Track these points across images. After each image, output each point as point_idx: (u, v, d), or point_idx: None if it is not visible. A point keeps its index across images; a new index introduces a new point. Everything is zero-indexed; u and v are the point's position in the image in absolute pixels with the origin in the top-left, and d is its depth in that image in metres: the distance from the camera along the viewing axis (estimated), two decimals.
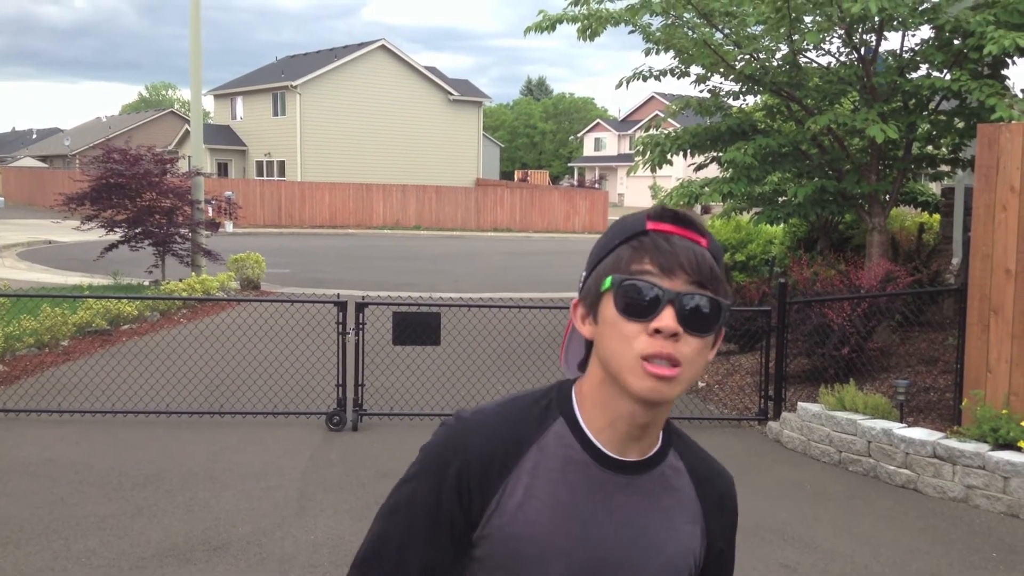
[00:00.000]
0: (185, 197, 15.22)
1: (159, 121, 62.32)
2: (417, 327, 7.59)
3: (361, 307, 7.64)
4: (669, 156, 9.94)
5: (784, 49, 9.10)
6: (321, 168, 44.37)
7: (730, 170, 9.48)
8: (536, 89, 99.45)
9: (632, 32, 9.45)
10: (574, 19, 9.23)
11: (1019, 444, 5.81)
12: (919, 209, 11.55)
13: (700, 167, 10.75)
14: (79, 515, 5.31)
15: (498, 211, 41.21)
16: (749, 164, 8.87)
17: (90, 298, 10.52)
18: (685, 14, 9.05)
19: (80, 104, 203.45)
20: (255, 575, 4.59)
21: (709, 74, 9.78)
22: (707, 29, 9.11)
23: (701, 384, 9.19)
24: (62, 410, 7.62)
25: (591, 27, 9.20)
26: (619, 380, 1.24)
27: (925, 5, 8.36)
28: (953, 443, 6.00)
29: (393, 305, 7.94)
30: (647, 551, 1.30)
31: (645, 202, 57.03)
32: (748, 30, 9.08)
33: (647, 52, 9.64)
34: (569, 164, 79.43)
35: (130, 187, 14.59)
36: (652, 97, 68.92)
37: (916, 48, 9.02)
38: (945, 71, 8.60)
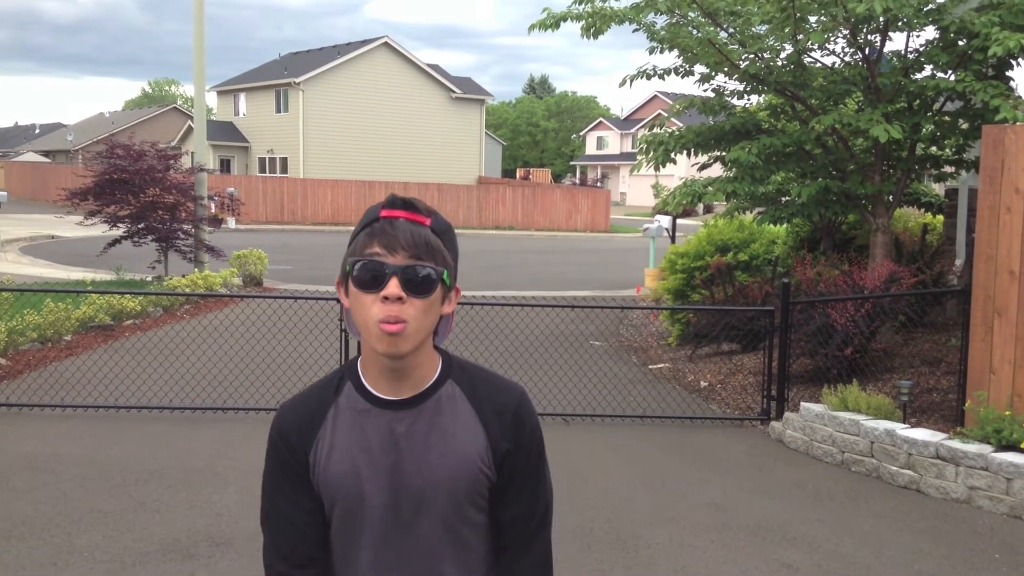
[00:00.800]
0: (188, 193, 15.24)
1: (162, 117, 62.35)
2: None
3: None
4: (673, 155, 9.93)
5: (789, 49, 9.09)
6: (323, 165, 44.38)
7: (734, 169, 9.47)
8: (539, 87, 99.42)
9: (636, 31, 9.44)
10: (578, 17, 9.22)
11: (1022, 446, 5.80)
12: (923, 210, 11.53)
13: (704, 166, 10.74)
14: (82, 510, 5.32)
15: (500, 209, 41.21)
16: (753, 164, 8.87)
17: (93, 293, 10.54)
18: (690, 13, 9.04)
19: (83, 99, 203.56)
20: (258, 571, 4.58)
21: (713, 73, 9.77)
22: (712, 28, 9.10)
23: (704, 383, 9.19)
24: (65, 405, 7.63)
25: (595, 25, 9.19)
26: (367, 343, 1.61)
27: (930, 6, 8.34)
28: (956, 444, 6.00)
29: None
30: (433, 458, 1.65)
31: (647, 201, 57.03)
32: (753, 29, 9.07)
33: (651, 51, 9.63)
34: (571, 163, 79.40)
35: (133, 183, 14.61)
36: (655, 96, 68.90)
37: (921, 49, 9.01)
38: (950, 72, 8.59)
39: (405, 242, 1.58)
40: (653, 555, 4.92)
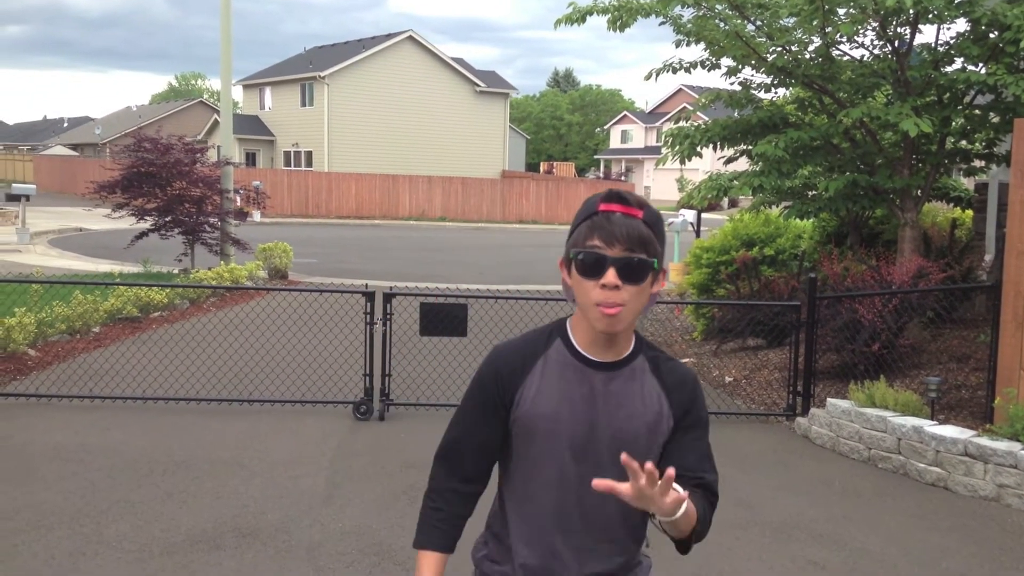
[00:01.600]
0: (214, 186, 15.34)
1: (188, 111, 62.77)
2: (444, 318, 7.60)
3: (389, 297, 7.66)
4: (699, 148, 9.87)
5: (817, 41, 9.00)
6: (348, 159, 44.51)
7: (760, 163, 9.39)
8: (563, 81, 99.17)
9: (662, 24, 9.39)
10: (604, 10, 9.17)
11: None
12: (951, 204, 11.40)
13: (729, 160, 10.67)
14: (110, 500, 5.37)
15: (523, 203, 41.17)
16: (780, 157, 8.79)
17: (121, 285, 10.64)
18: (717, 5, 8.97)
19: (110, 93, 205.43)
20: (284, 562, 4.62)
21: (740, 66, 9.69)
22: (739, 21, 9.02)
23: (728, 379, 9.14)
24: (93, 396, 7.71)
25: (621, 18, 9.14)
26: (587, 317, 1.89)
27: None
28: (985, 441, 5.94)
29: (420, 296, 7.96)
30: (623, 415, 1.94)
31: (672, 195, 56.73)
32: (780, 22, 8.99)
33: (677, 44, 9.58)
34: (595, 156, 79.17)
35: (160, 176, 14.72)
36: (680, 89, 68.50)
37: (951, 41, 8.90)
38: (980, 65, 8.47)
39: (621, 235, 1.80)
40: (676, 552, 4.89)
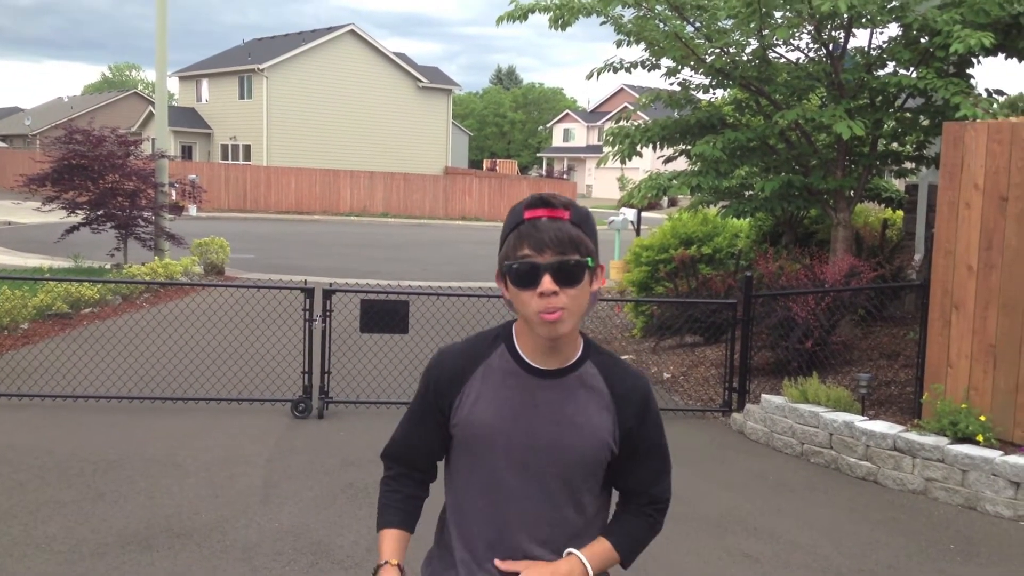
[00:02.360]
0: (149, 180, 15.02)
1: (122, 102, 61.36)
2: (385, 315, 7.55)
3: (328, 294, 7.59)
4: (639, 148, 9.97)
5: (754, 44, 9.15)
6: (287, 153, 43.97)
7: (698, 163, 9.52)
8: (506, 78, 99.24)
9: (604, 23, 9.45)
10: (546, 9, 9.20)
11: (978, 438, 5.92)
12: (883, 205, 11.68)
13: (669, 160, 10.78)
14: (39, 500, 5.24)
15: (467, 200, 41.12)
16: (717, 158, 8.92)
17: (51, 280, 10.37)
18: (657, 6, 9.06)
19: (42, 84, 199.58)
20: (219, 563, 4.55)
21: (679, 67, 9.80)
22: (678, 22, 9.13)
23: (667, 375, 9.25)
24: (22, 394, 7.50)
25: (563, 17, 9.18)
26: (530, 327, 1.85)
27: (893, 3, 8.43)
28: (913, 436, 6.10)
29: (361, 292, 7.90)
30: (566, 428, 1.88)
31: (613, 193, 57.17)
32: (719, 24, 9.11)
33: (618, 44, 9.64)
34: (538, 154, 79.40)
35: (92, 168, 14.36)
36: (621, 89, 69.03)
37: (884, 46, 9.11)
38: (912, 69, 8.69)
39: (550, 240, 1.78)
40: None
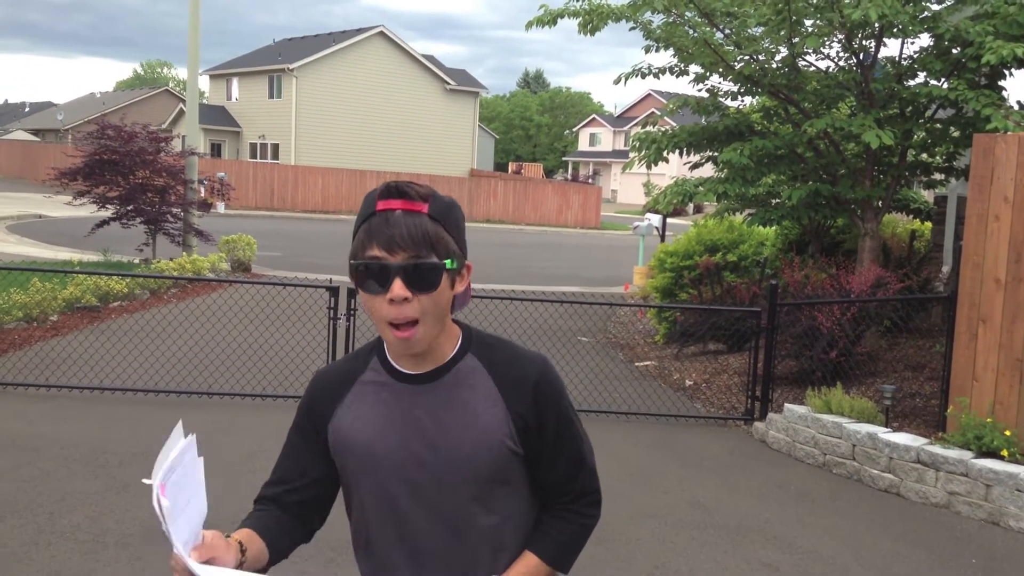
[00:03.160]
0: (178, 176, 15.17)
1: (153, 99, 61.98)
2: None
3: (353, 293, 7.64)
4: (665, 153, 9.95)
5: (784, 52, 9.12)
6: (315, 152, 44.22)
7: (725, 170, 9.50)
8: (533, 82, 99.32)
9: (633, 29, 9.45)
10: (575, 13, 9.22)
11: (1002, 453, 5.86)
12: (911, 216, 11.60)
13: (695, 166, 10.77)
14: (65, 490, 5.31)
15: (491, 203, 41.18)
16: (745, 165, 8.90)
17: (80, 273, 10.49)
18: (687, 13, 9.05)
19: (74, 79, 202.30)
20: None
21: (708, 73, 9.79)
22: (708, 28, 9.12)
23: (689, 382, 9.23)
24: (49, 385, 7.61)
25: (592, 22, 9.20)
26: (383, 338, 1.65)
27: (925, 13, 8.39)
28: (937, 449, 6.05)
29: None
30: (451, 434, 1.66)
31: (639, 199, 57.09)
32: (748, 31, 9.09)
33: (647, 49, 9.64)
34: (563, 158, 79.37)
35: (123, 164, 14.53)
36: (649, 94, 68.90)
37: (915, 56, 9.06)
38: (943, 80, 8.63)
39: (402, 239, 1.55)
40: (633, 551, 4.94)
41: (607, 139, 73.05)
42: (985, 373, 6.26)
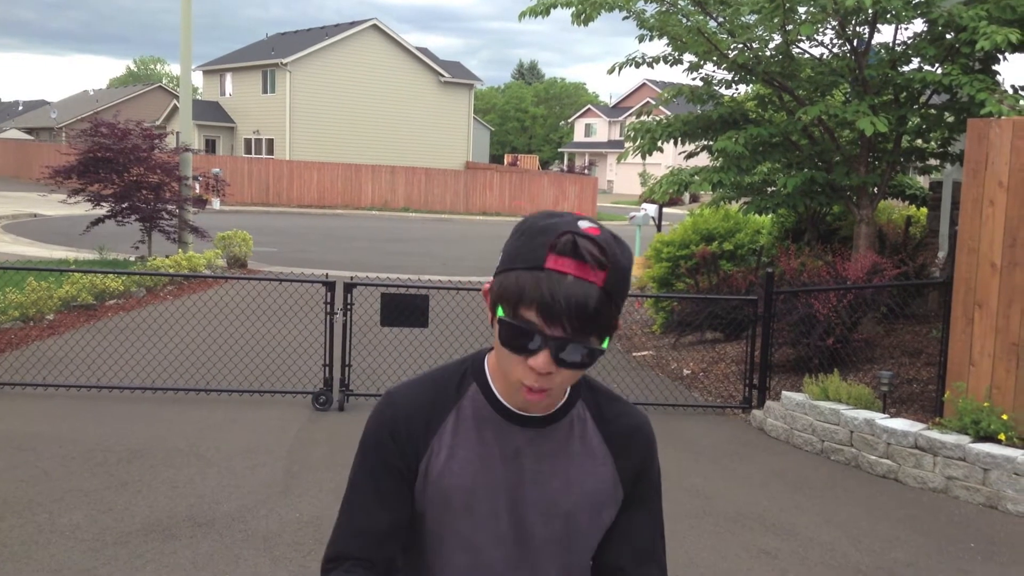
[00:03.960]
0: (173, 173, 15.14)
1: (147, 96, 61.81)
2: (405, 309, 7.59)
3: (349, 287, 7.64)
4: (660, 143, 9.94)
5: (777, 39, 9.10)
6: (310, 147, 44.16)
7: (720, 159, 9.49)
8: (527, 73, 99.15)
9: (626, 18, 9.43)
10: (568, 3, 9.19)
11: (999, 437, 5.88)
12: (907, 202, 11.59)
13: (691, 155, 10.76)
14: (63, 489, 5.31)
15: (487, 195, 41.14)
16: (740, 153, 8.89)
17: (76, 272, 10.47)
18: (680, 1, 9.04)
19: (67, 77, 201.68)
20: (240, 552, 4.60)
21: (702, 62, 9.77)
22: (701, 17, 9.10)
23: (687, 371, 9.24)
24: (47, 384, 7.60)
25: (585, 12, 9.17)
26: (504, 381, 1.46)
27: None
28: (935, 434, 6.07)
29: (382, 286, 7.94)
30: (557, 484, 1.50)
31: (634, 189, 57.08)
32: (742, 19, 9.08)
33: (640, 39, 9.62)
34: (559, 149, 79.31)
35: (118, 161, 14.49)
36: (643, 84, 68.82)
37: (908, 41, 9.04)
38: (936, 65, 8.62)
39: (567, 314, 1.33)
40: None
41: (602, 129, 72.98)
42: (982, 358, 6.27)
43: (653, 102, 11.64)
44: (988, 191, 6.21)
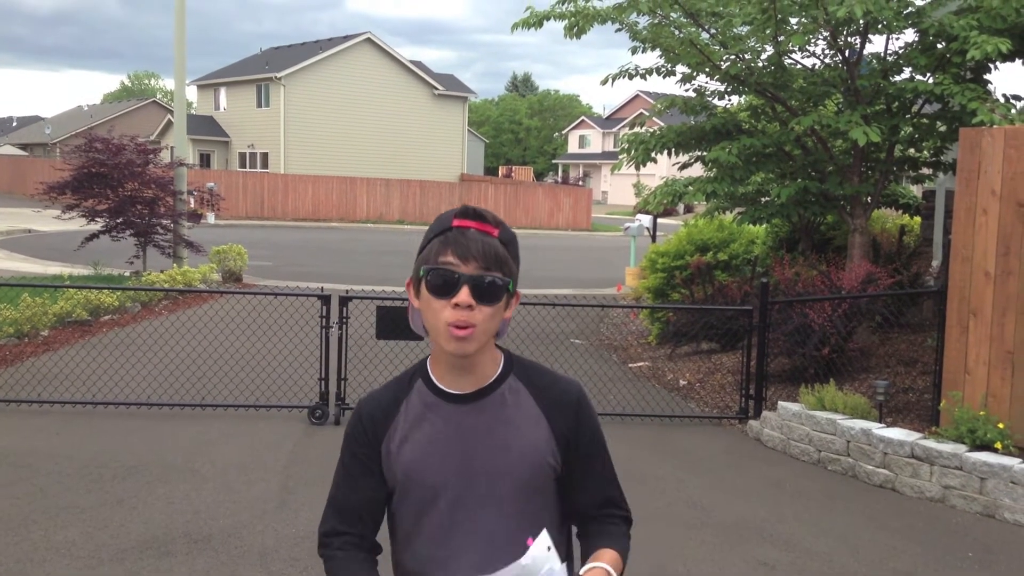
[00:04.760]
0: (167, 188, 15.12)
1: (141, 111, 61.84)
2: (401, 321, 7.57)
3: (345, 301, 7.63)
4: (653, 154, 9.96)
5: (769, 50, 9.14)
6: (304, 160, 44.17)
7: (714, 169, 9.51)
8: (521, 85, 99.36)
9: (619, 30, 9.47)
10: (561, 16, 9.24)
11: (996, 445, 5.88)
12: (900, 211, 11.63)
13: (684, 166, 10.78)
14: (59, 506, 5.29)
15: (482, 207, 41.11)
16: (733, 164, 8.91)
17: (71, 288, 10.46)
18: (672, 13, 9.07)
19: (61, 92, 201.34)
20: (236, 568, 4.58)
21: (695, 73, 9.81)
22: (693, 29, 9.14)
23: (683, 382, 9.24)
24: (42, 400, 7.58)
25: (578, 24, 9.21)
26: (437, 341, 1.76)
27: (909, 9, 8.42)
28: (931, 444, 6.07)
29: (377, 299, 7.93)
30: (496, 450, 1.77)
31: (629, 200, 57.16)
32: (734, 30, 9.11)
33: (633, 50, 9.66)
34: (553, 161, 79.42)
35: (112, 177, 14.48)
36: (637, 95, 69.03)
37: (900, 51, 9.09)
38: (928, 75, 8.66)
39: (477, 252, 1.71)
40: (631, 553, 4.93)
41: (596, 141, 73.13)
42: (977, 366, 6.28)
43: (646, 113, 11.69)
44: (981, 200, 6.24)
